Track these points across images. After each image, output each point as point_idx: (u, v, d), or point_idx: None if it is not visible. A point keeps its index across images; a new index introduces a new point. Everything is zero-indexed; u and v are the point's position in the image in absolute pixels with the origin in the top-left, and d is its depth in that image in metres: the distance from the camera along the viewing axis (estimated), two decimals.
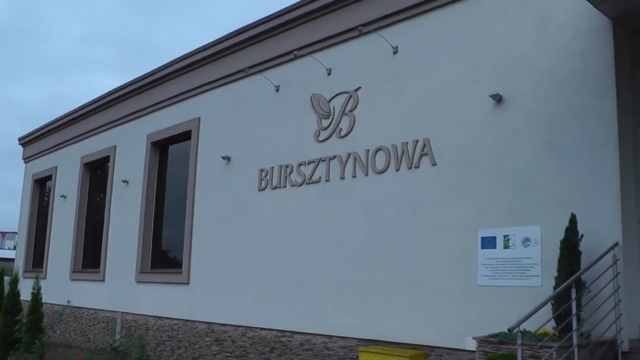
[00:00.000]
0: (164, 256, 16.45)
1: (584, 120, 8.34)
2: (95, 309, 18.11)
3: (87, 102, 20.11)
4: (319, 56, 12.01)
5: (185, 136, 15.66)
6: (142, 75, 17.30)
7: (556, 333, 7.17)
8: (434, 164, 9.94)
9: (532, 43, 9.07)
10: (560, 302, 7.36)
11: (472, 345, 8.04)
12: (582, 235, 7.80)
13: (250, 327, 12.62)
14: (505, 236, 8.90)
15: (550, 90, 8.76)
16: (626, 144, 8.18)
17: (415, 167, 10.18)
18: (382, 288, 10.29)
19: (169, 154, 16.87)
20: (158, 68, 16.63)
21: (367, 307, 10.44)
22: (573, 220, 7.82)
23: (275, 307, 12.12)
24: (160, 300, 15.37)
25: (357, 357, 9.97)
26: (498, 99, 9.19)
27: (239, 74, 13.88)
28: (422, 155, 10.12)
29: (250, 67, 13.46)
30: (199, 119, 15.14)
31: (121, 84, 18.54)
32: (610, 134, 8.08)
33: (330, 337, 10.98)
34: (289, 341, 11.71)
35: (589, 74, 8.41)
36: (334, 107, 11.68)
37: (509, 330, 6.38)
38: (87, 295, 18.28)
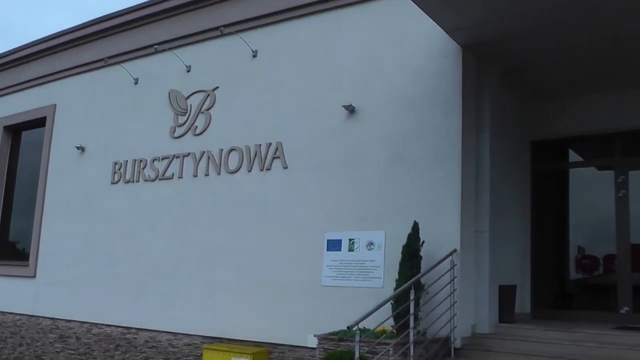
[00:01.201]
0: (11, 247, 15.36)
1: (432, 136, 8.69)
2: None
3: None
4: (180, 52, 11.72)
5: (39, 122, 14.75)
6: None
7: (394, 331, 7.38)
8: (286, 167, 10.00)
9: (388, 60, 9.33)
10: (399, 302, 7.58)
11: (313, 342, 8.10)
12: (423, 242, 8.09)
13: (96, 324, 12.04)
14: (350, 239, 9.09)
15: (403, 106, 9.04)
16: (469, 159, 8.61)
17: (267, 169, 10.19)
18: (229, 286, 10.17)
19: (22, 139, 15.82)
20: (15, 49, 15.56)
21: (214, 305, 10.28)
22: (415, 227, 8.10)
23: (122, 303, 11.63)
24: (3, 294, 14.30)
25: (202, 354, 9.79)
26: (351, 109, 9.40)
27: (99, 63, 13.25)
28: (274, 158, 10.15)
29: (110, 57, 12.90)
30: (54, 105, 14.33)
31: None
32: (455, 149, 8.47)
33: (175, 334, 10.69)
34: (135, 338, 11.29)
35: (439, 93, 8.78)
36: (191, 105, 11.46)
37: (348, 328, 6.48)
38: None
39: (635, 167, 10.32)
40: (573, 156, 11.42)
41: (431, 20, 8.19)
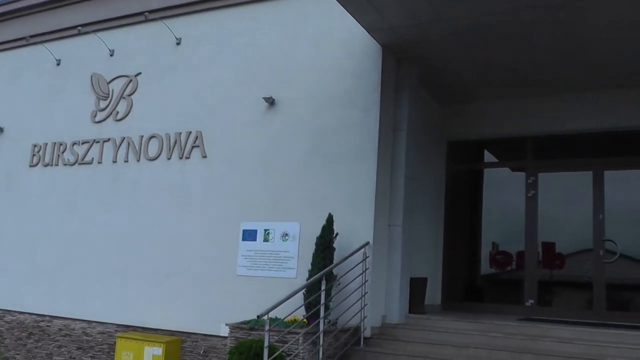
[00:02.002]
0: None
1: (350, 132, 8.82)
2: None
3: None
4: (104, 36, 11.47)
5: None
6: None
7: (305, 320, 7.49)
8: (205, 157, 9.97)
9: (310, 56, 9.41)
10: (311, 292, 7.71)
11: (225, 331, 8.14)
12: (337, 234, 8.22)
13: (9, 311, 11.64)
14: (266, 230, 9.14)
15: (323, 101, 9.14)
16: (385, 156, 8.80)
17: (187, 158, 10.13)
18: (144, 275, 10.07)
19: None
20: None
21: (129, 293, 10.16)
22: (330, 220, 8.22)
23: (36, 289, 11.31)
24: None
25: (115, 343, 9.66)
26: (271, 102, 9.45)
27: (20, 41, 12.82)
28: (193, 147, 10.10)
29: (32, 37, 12.51)
30: None
31: None
32: (372, 146, 8.63)
33: (89, 322, 10.50)
34: (48, 326, 11.01)
35: (359, 91, 8.91)
36: (113, 89, 11.25)
37: (258, 317, 6.51)
38: None
39: (544, 169, 10.82)
40: (488, 157, 11.83)
41: (353, 18, 8.31)
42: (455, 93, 10.78)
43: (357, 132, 8.77)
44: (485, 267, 11.33)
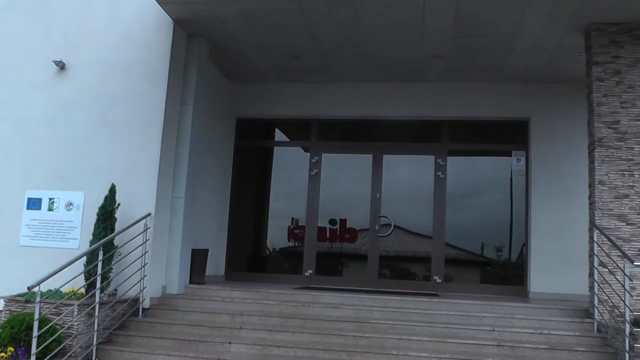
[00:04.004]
0: None
1: (138, 103, 8.72)
2: None
3: None
4: None
5: None
6: None
7: (82, 292, 7.35)
8: None
9: (102, 22, 9.13)
10: (91, 263, 7.57)
11: (0, 304, 7.78)
12: (119, 204, 8.11)
13: None
14: (50, 199, 8.79)
15: (113, 70, 8.93)
16: (171, 129, 8.83)
17: None
18: None
19: None
20: None
21: None
22: (112, 190, 8.11)
23: None
24: None
25: None
26: (61, 66, 9.07)
27: None
28: None
29: None
30: None
31: None
32: (158, 118, 8.61)
33: None
34: None
35: (149, 62, 8.83)
36: None
37: (28, 288, 6.31)
38: None
39: (328, 150, 11.50)
40: (281, 136, 12.26)
41: None
42: (245, 72, 11.05)
43: (145, 103, 8.69)
44: (281, 240, 11.76)
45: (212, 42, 9.53)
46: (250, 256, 11.94)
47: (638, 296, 7.37)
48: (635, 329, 6.46)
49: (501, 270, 10.99)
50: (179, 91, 9.04)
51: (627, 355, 6.42)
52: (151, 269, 8.23)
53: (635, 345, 6.34)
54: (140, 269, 7.99)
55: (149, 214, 8.24)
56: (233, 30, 9.13)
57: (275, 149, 12.05)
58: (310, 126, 11.58)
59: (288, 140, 12.26)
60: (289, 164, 11.98)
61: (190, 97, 9.13)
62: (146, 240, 8.10)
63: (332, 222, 11.32)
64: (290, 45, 9.64)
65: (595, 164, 8.03)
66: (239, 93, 11.56)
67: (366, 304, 8.32)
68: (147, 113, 8.66)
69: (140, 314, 8.05)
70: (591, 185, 8.16)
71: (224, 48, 9.81)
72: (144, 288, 8.06)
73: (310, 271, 11.03)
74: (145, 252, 8.07)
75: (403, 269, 11.40)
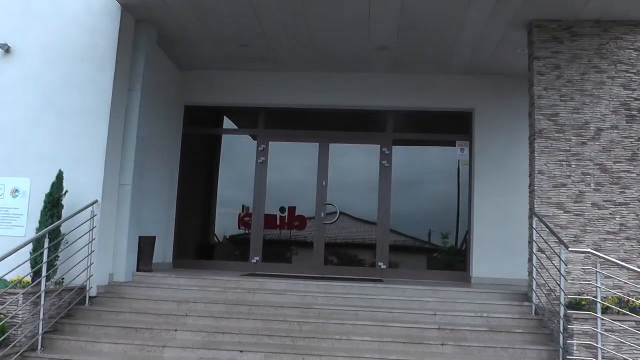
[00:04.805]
0: None
1: (84, 89, 8.58)
2: None
3: None
4: None
5: None
6: None
7: (28, 280, 7.25)
8: None
9: (48, 6, 8.93)
10: (37, 251, 7.46)
11: None
12: (66, 191, 8.01)
13: None
14: None
15: (60, 55, 8.75)
16: (118, 116, 8.74)
17: None
18: None
19: None
20: None
21: None
22: (60, 177, 7.98)
23: None
24: None
25: None
26: (6, 49, 8.83)
27: None
28: None
29: None
30: None
31: None
32: (105, 104, 8.50)
33: None
34: None
35: (96, 48, 8.69)
36: None
37: None
38: None
39: (275, 138, 11.57)
40: (228, 124, 12.26)
41: None
42: (194, 59, 10.99)
43: (92, 89, 8.57)
44: (232, 228, 11.77)
45: (161, 29, 9.46)
46: (199, 244, 11.94)
47: (573, 280, 7.70)
48: (569, 312, 6.75)
49: (447, 257, 11.28)
50: (126, 77, 8.94)
51: (561, 336, 6.72)
52: (98, 256, 8.15)
53: (569, 326, 6.63)
54: (87, 256, 7.92)
55: (96, 201, 8.16)
56: (180, 17, 9.09)
57: (224, 136, 12.01)
58: (258, 114, 11.62)
59: (236, 128, 12.26)
60: (238, 152, 11.97)
61: (138, 83, 9.05)
62: (93, 228, 8.02)
63: (282, 209, 11.42)
64: (236, 35, 9.65)
65: (536, 155, 8.33)
66: (187, 80, 11.49)
67: (311, 290, 8.43)
68: (94, 99, 8.53)
69: (87, 302, 8.00)
70: (531, 175, 8.46)
71: (172, 35, 9.75)
72: (91, 276, 8.00)
73: (257, 258, 11.11)
74: (93, 240, 8.00)
75: (349, 256, 11.57)
